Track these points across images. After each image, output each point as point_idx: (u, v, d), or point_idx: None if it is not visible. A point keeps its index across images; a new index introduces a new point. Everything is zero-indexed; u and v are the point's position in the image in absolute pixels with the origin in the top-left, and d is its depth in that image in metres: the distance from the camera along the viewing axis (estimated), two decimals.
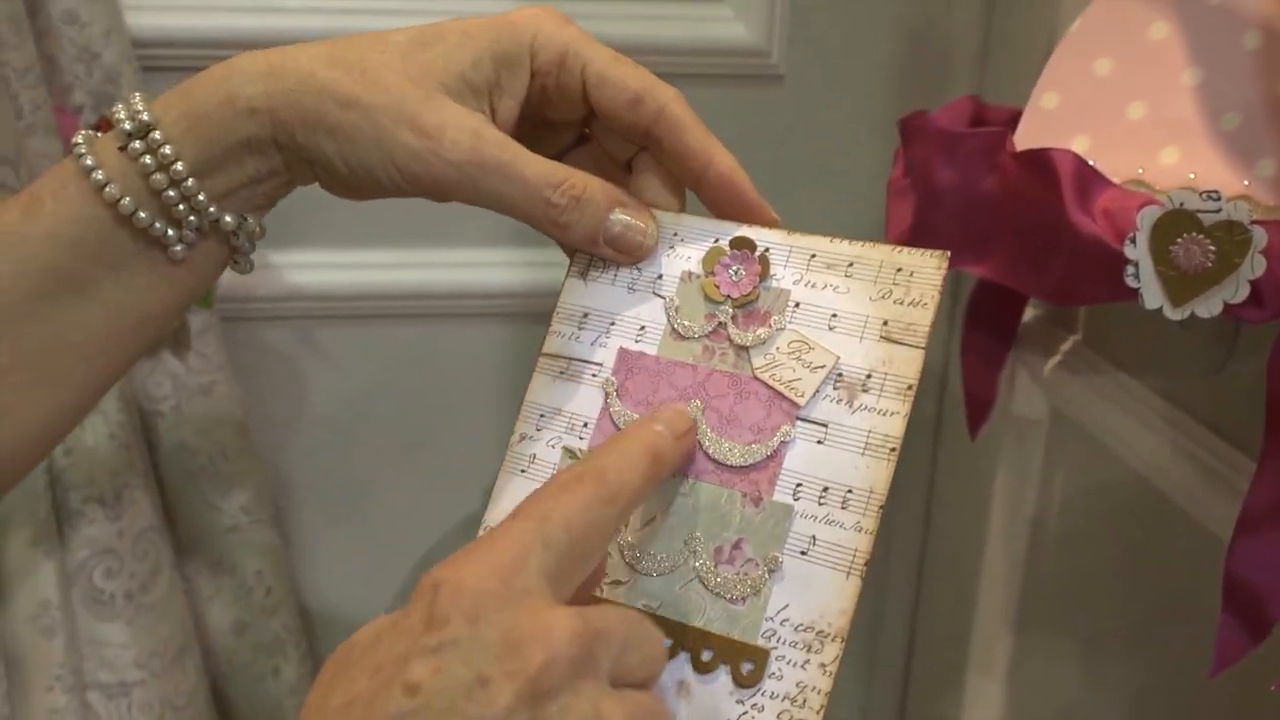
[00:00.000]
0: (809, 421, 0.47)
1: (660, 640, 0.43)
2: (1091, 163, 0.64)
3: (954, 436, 1.19)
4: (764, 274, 0.50)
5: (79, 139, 0.49)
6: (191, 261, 0.51)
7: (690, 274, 0.52)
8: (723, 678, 0.45)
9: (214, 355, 1.00)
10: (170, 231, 0.49)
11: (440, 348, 1.17)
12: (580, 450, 0.50)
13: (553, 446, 0.51)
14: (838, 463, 0.46)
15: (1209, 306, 0.59)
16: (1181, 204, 0.58)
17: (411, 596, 0.39)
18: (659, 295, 0.52)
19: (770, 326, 0.49)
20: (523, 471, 0.51)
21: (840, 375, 0.48)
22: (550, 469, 0.51)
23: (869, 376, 0.47)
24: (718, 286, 0.51)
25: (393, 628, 0.38)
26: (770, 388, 0.48)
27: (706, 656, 0.46)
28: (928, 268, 0.48)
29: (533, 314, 1.16)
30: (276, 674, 1.09)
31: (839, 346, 0.48)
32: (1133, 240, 0.60)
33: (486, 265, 1.14)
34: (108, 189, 0.48)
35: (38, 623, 0.87)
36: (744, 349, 0.50)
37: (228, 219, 0.50)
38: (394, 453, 1.21)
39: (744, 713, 0.44)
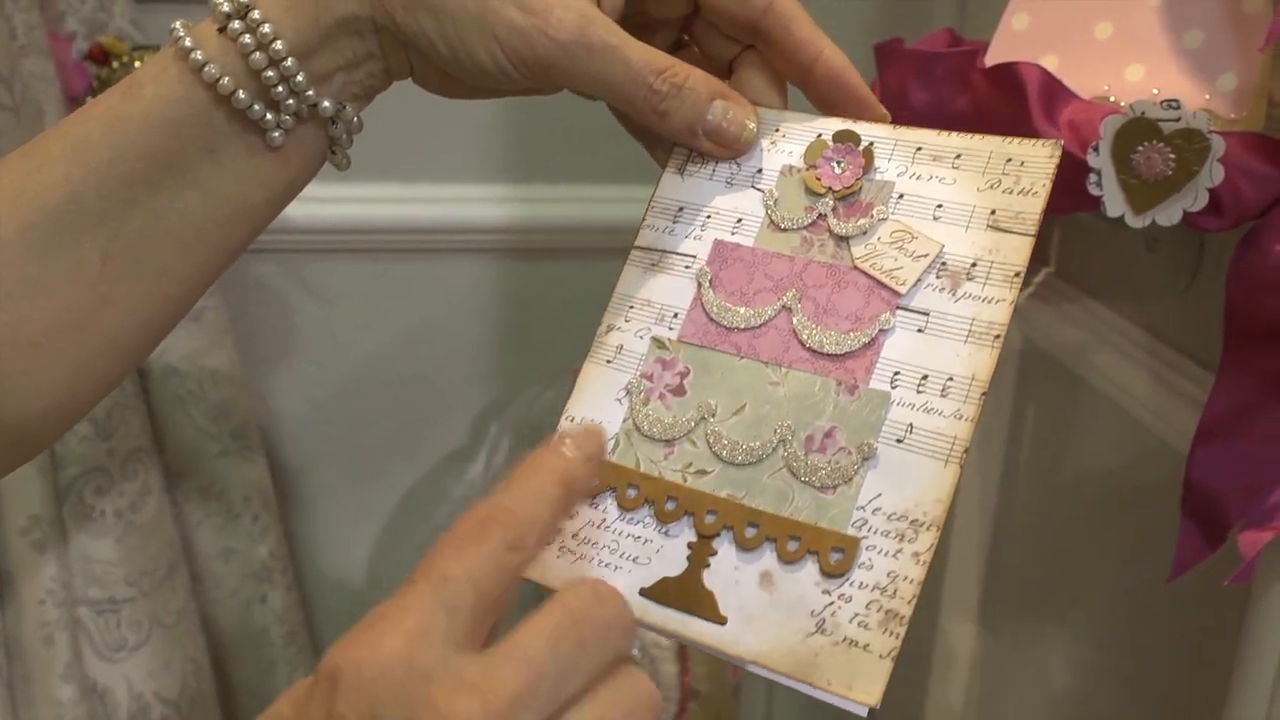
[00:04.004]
0: (909, 310, 0.46)
1: (620, 626, 0.39)
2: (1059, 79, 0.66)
3: None
4: (867, 167, 0.49)
5: (178, 25, 0.49)
6: (289, 150, 0.50)
7: (791, 168, 0.50)
8: (809, 567, 0.43)
9: None
10: (269, 115, 0.49)
11: (428, 283, 1.18)
12: (669, 340, 0.49)
13: (641, 337, 0.50)
14: (938, 351, 0.45)
15: (1169, 214, 0.61)
16: (1143, 112, 0.60)
17: (312, 681, 0.37)
18: (758, 189, 0.50)
19: (872, 217, 0.48)
20: (608, 362, 0.50)
21: (944, 264, 0.46)
22: (638, 359, 0.49)
23: (974, 265, 0.46)
24: (819, 179, 0.49)
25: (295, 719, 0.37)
26: (870, 277, 0.47)
27: (792, 546, 0.44)
28: (1040, 157, 0.47)
29: (520, 250, 1.18)
30: (264, 601, 1.11)
31: (943, 236, 0.47)
32: (1095, 148, 0.61)
33: (474, 200, 1.15)
34: (207, 69, 0.47)
35: (28, 536, 0.89)
36: (844, 239, 0.48)
37: (326, 104, 0.49)
38: (381, 387, 1.23)
39: (830, 603, 0.42)
